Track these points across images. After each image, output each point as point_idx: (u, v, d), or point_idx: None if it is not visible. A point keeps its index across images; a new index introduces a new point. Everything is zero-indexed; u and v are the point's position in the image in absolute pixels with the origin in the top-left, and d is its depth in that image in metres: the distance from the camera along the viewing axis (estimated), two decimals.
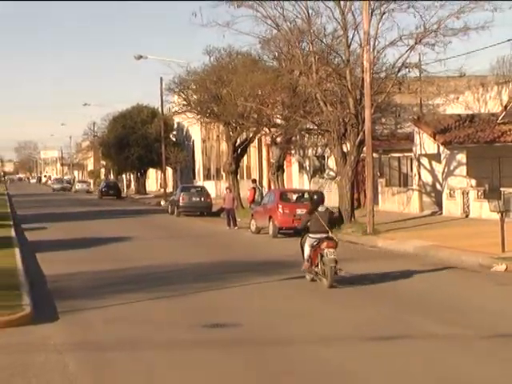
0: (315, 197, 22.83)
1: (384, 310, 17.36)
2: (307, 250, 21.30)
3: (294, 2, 39.02)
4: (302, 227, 22.60)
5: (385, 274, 24.08)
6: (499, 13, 35.85)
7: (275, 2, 39.10)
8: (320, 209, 21.61)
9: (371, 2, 36.18)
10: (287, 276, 22.51)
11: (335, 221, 23.81)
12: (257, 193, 45.76)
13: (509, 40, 36.06)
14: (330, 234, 21.25)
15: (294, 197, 39.80)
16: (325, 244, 20.70)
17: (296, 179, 63.28)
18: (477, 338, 14.28)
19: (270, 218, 37.35)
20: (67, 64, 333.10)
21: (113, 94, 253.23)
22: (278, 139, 54.37)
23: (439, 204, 45.92)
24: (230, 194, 46.00)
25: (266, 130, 55.30)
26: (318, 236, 21.08)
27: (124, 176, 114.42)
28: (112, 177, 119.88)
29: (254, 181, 50.87)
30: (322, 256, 20.68)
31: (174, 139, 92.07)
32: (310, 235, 21.34)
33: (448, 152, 44.79)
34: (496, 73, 53.74)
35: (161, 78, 68.95)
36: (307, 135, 51.58)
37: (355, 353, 13.24)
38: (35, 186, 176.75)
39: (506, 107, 41.59)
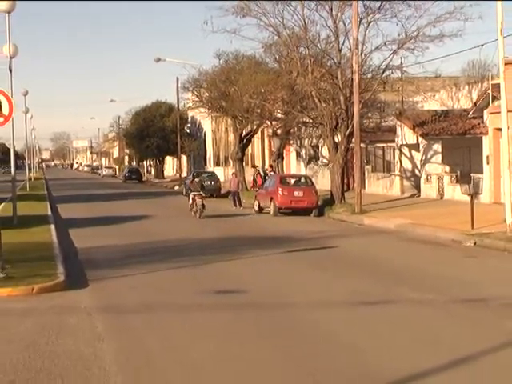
0: (195, 174, 41.45)
1: (367, 280, 17.37)
2: (190, 200, 36.50)
3: (292, 12, 39.08)
4: (187, 188, 41.35)
5: (369, 248, 24.18)
6: (470, 22, 35.83)
7: (276, 12, 39.16)
8: (195, 180, 39.31)
9: (359, 12, 36.22)
10: (287, 249, 22.57)
11: (203, 186, 39.14)
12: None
13: (478, 46, 35.92)
14: (199, 193, 35.95)
15: (292, 181, 39.79)
16: (197, 197, 35.72)
17: (294, 166, 63.32)
18: (449, 302, 14.30)
19: (271, 199, 37.40)
20: (97, 65, 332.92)
21: (135, 92, 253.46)
22: (279, 131, 54.52)
23: (418, 187, 45.95)
24: (236, 179, 45.97)
25: (268, 122, 55.41)
26: (195, 193, 36.19)
27: (145, 162, 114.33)
28: (134, 163, 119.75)
29: (255, 166, 50.54)
30: (195, 203, 35.53)
31: (188, 131, 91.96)
32: (191, 193, 36.83)
33: (425, 142, 44.80)
34: (467, 74, 53.77)
35: (177, 78, 68.82)
36: (304, 127, 51.64)
37: (345, 316, 13.28)
38: (68, 172, 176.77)
39: (475, 104, 41.50)
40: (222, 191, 53.81)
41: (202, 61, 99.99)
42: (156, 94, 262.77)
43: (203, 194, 36.45)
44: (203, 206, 35.32)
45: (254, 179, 45.83)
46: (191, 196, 36.50)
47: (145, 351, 10.89)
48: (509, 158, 25.25)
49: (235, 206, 43.04)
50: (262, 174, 47.36)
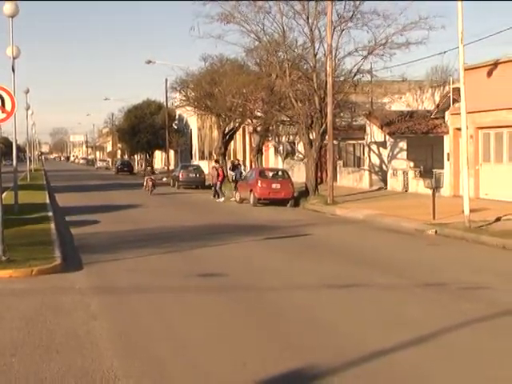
0: (147, 163, 65.20)
1: (339, 265, 17.43)
2: (145, 182, 46.77)
3: (272, 19, 39.12)
4: (144, 173, 52.11)
5: (340, 236, 24.23)
6: (433, 31, 36.03)
7: (257, 19, 39.20)
8: (148, 168, 55.56)
9: (333, 21, 36.25)
10: (265, 236, 22.58)
11: (154, 172, 51.19)
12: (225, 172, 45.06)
13: (440, 53, 36.22)
14: (150, 177, 47.30)
15: (271, 174, 39.72)
16: (149, 180, 46.60)
17: (272, 160, 63.31)
18: (413, 285, 14.38)
19: (251, 190, 37.37)
20: (93, 66, 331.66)
21: (128, 91, 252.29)
22: (258, 128, 54.42)
23: (385, 181, 46.07)
24: (216, 172, 45.39)
25: (249, 120, 55.32)
26: (147, 177, 47.00)
27: (136, 156, 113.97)
28: (126, 157, 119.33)
29: (217, 161, 49.87)
30: (148, 184, 45.87)
31: (175, 127, 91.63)
32: (145, 177, 47.64)
33: (392, 140, 44.92)
34: (430, 79, 53.93)
35: (166, 79, 68.72)
36: (281, 125, 51.57)
37: (320, 298, 13.31)
38: (65, 164, 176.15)
39: (438, 106, 41.64)
40: (206, 183, 53.72)
41: (189, 63, 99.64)
42: (147, 93, 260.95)
43: (153, 178, 48.29)
44: (153, 186, 46.35)
45: (217, 172, 44.47)
46: (145, 179, 48.32)
47: (135, 328, 10.88)
48: (467, 155, 25.36)
49: (217, 196, 42.91)
50: (223, 169, 46.78)
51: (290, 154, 59.14)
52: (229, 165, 49.85)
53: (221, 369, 8.86)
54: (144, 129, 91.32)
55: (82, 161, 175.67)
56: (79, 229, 24.57)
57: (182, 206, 37.73)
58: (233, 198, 40.87)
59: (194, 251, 19.46)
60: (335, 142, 44.52)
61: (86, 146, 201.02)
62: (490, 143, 34.19)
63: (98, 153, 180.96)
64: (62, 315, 11.73)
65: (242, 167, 57.60)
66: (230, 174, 46.42)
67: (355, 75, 39.40)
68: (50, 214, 28.70)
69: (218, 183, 42.33)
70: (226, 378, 8.57)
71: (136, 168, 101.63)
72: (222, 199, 41.39)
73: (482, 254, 19.54)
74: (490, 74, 32.77)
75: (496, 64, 32.71)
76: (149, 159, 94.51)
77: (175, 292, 13.76)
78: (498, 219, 24.95)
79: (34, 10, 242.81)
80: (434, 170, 38.12)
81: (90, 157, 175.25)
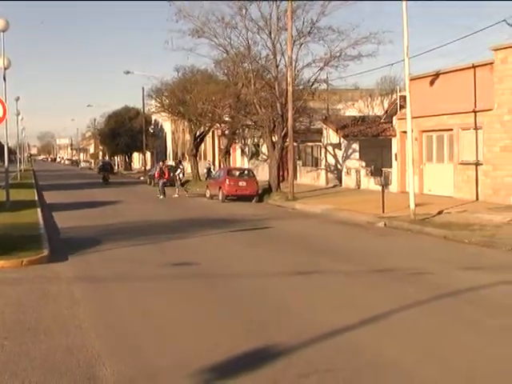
0: (102, 162, 73.16)
1: (299, 254, 17.47)
2: (102, 176, 54.38)
3: (238, 34, 39.22)
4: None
5: (300, 228, 24.30)
6: (382, 45, 36.42)
7: (225, 34, 39.28)
8: (105, 165, 63.96)
9: (293, 36, 36.35)
10: (232, 229, 22.59)
11: (105, 169, 62.41)
12: (171, 171, 44.10)
13: (388, 65, 36.58)
14: (107, 172, 57.38)
15: (237, 173, 39.74)
16: (106, 174, 56.20)
17: (239, 161, 63.33)
18: (365, 272, 14.47)
19: (220, 188, 37.39)
20: (77, 75, 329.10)
21: (108, 98, 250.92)
22: (226, 132, 54.51)
23: (339, 179, 46.31)
24: (166, 169, 44.21)
25: (218, 125, 55.42)
26: (103, 172, 56.88)
27: (116, 157, 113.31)
28: (107, 158, 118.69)
29: (163, 161, 48.96)
30: (105, 177, 55.30)
31: (151, 131, 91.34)
32: (102, 173, 58.04)
33: (346, 142, 45.18)
34: (380, 87, 54.32)
35: (142, 88, 68.42)
36: (247, 129, 51.69)
37: (281, 283, 13.34)
38: (52, 165, 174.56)
39: (386, 111, 41.94)
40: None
41: (164, 73, 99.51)
42: (125, 100, 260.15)
43: (108, 172, 59.58)
44: (108, 177, 57.20)
45: (162, 171, 43.53)
46: (102, 173, 59.34)
47: (115, 312, 10.85)
48: (412, 155, 25.60)
49: (164, 194, 41.58)
50: (169, 167, 46.09)
51: (254, 154, 59.22)
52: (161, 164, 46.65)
53: (192, 346, 8.87)
54: (123, 132, 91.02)
55: (67, 162, 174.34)
56: (65, 222, 24.37)
57: (157, 202, 37.59)
58: (176, 195, 41.09)
59: (169, 242, 19.41)
60: (295, 143, 44.62)
61: (71, 149, 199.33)
62: (433, 145, 34.51)
63: (81, 154, 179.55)
64: (49, 301, 11.66)
65: (210, 166, 57.60)
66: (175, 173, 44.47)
67: (313, 84, 39.65)
68: (39, 209, 28.44)
69: (162, 181, 41.52)
70: (195, 351, 8.59)
71: (116, 168, 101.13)
72: (161, 196, 40.17)
73: (425, 244, 19.73)
74: (432, 83, 33.10)
75: (437, 74, 33.03)
76: (106, 161, 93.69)
77: (151, 279, 13.73)
78: (440, 212, 25.23)
79: (22, 24, 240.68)
80: (383, 169, 38.40)
81: (74, 158, 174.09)
